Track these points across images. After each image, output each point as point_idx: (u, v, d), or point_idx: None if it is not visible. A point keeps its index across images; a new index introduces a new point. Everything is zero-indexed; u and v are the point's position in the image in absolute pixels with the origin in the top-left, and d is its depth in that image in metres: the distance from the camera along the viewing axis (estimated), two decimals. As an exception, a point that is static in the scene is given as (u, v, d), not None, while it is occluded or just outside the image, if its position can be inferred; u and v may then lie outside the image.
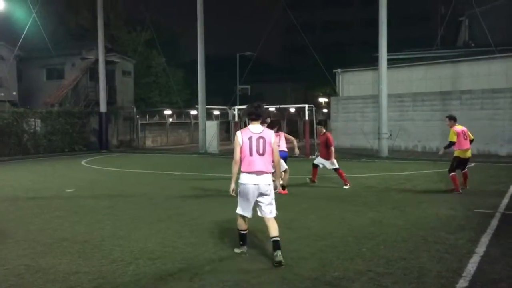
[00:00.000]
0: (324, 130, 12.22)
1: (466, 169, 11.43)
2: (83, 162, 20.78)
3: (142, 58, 39.15)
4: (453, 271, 5.44)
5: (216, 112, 38.19)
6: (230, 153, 24.14)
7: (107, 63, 30.25)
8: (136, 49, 37.17)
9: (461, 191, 10.79)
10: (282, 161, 10.47)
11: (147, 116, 35.79)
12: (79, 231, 7.57)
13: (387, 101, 21.77)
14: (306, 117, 23.10)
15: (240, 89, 42.08)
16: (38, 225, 7.98)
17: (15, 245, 6.72)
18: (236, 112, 25.21)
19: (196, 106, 27.78)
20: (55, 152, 25.91)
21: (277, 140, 6.44)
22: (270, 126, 9.45)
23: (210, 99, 29.22)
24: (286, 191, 11.07)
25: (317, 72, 39.09)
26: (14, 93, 30.45)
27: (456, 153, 10.93)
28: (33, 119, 25.62)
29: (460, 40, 34.46)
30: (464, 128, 11.01)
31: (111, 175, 15.84)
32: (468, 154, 11.03)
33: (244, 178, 5.80)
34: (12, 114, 24.70)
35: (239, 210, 5.94)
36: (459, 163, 11.03)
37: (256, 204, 5.87)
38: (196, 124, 30.46)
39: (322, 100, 43.68)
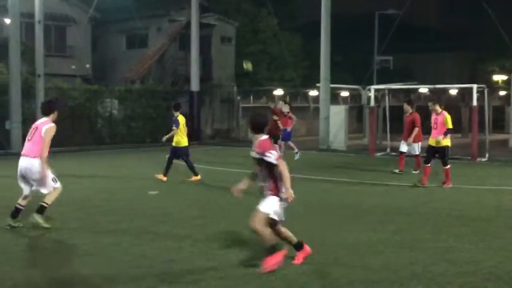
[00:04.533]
0: (411, 110, 16.15)
1: None
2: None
3: (246, 20, 40.09)
4: None
5: (345, 94, 38.00)
6: (362, 151, 23.96)
7: (202, 26, 31.30)
8: (240, 8, 38.11)
9: None
10: None
11: (251, 98, 36.55)
12: (164, 246, 7.96)
13: None
14: (475, 102, 22.06)
15: (379, 62, 41.32)
16: (112, 237, 8.55)
17: (89, 260, 7.28)
18: (372, 94, 24.82)
19: (317, 85, 27.83)
20: (134, 142, 27.49)
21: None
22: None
23: (337, 75, 29.12)
24: None
25: (492, 38, 37.22)
26: (88, 65, 32.83)
27: None
28: (109, 100, 27.42)
29: None
30: None
31: (209, 176, 16.39)
32: None
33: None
34: (85, 92, 26.64)
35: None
36: None
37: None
38: (316, 109, 30.55)
39: (499, 78, 41.46)
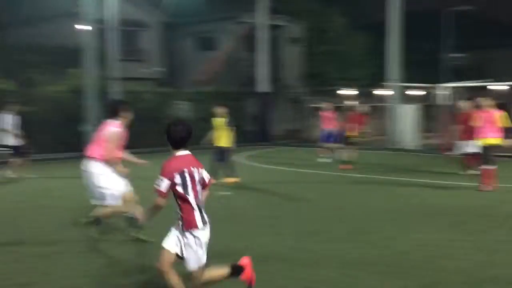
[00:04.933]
0: (468, 108, 14.89)
1: None
2: (243, 158, 21.60)
3: (314, 20, 39.89)
4: None
5: (417, 93, 37.23)
6: (434, 150, 23.44)
7: (270, 28, 31.35)
8: (307, 8, 37.93)
9: None
10: None
11: (320, 98, 36.27)
12: (230, 245, 8.02)
13: None
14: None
15: (452, 59, 40.38)
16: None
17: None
18: (445, 92, 24.23)
19: (386, 84, 27.43)
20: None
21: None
22: None
23: (408, 74, 28.59)
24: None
25: None
26: (159, 68, 33.46)
27: None
28: (181, 102, 27.88)
29: None
30: None
31: (284, 176, 16.48)
32: None
33: None
34: (157, 95, 27.19)
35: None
36: None
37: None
38: (387, 108, 30.09)
39: None
